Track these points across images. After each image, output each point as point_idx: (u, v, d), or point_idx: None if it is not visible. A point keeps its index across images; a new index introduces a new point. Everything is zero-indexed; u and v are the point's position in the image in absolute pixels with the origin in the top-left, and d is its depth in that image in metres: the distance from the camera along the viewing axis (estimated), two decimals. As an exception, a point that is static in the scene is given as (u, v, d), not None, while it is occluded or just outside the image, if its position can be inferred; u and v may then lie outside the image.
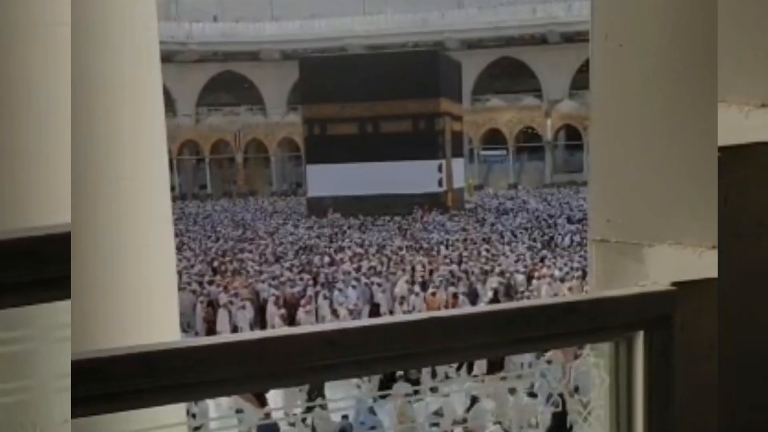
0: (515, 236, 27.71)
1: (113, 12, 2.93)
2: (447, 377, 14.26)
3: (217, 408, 8.80)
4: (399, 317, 1.73)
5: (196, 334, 16.52)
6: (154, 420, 1.45)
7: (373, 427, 11.14)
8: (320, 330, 1.45)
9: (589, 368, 1.75)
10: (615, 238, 1.85)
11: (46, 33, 2.42)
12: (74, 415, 1.27)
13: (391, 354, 1.48)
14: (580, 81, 45.63)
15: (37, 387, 1.47)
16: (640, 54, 1.81)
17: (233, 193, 50.76)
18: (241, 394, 7.86)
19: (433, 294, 17.85)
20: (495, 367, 12.67)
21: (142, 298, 3.04)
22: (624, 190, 1.87)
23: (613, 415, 1.74)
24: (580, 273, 18.72)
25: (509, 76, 52.09)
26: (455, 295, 17.91)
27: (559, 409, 1.93)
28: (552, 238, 27.31)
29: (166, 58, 40.37)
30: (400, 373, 11.38)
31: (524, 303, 2.33)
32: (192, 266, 22.66)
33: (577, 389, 1.86)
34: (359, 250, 25.33)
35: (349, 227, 32.45)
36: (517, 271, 20.22)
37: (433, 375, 13.93)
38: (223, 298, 18.30)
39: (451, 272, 20.34)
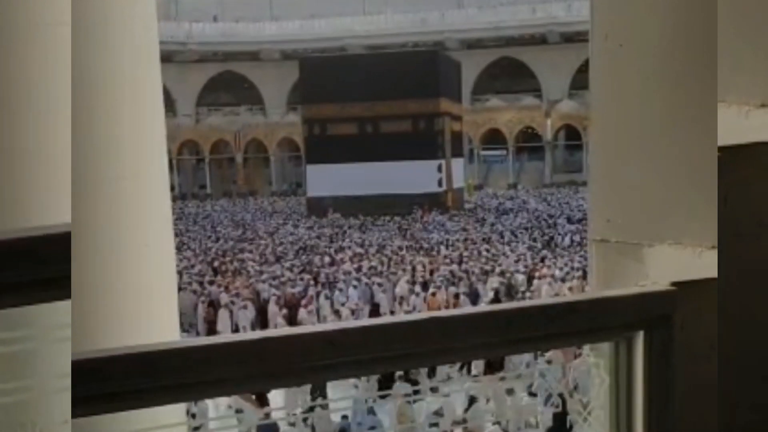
0: (515, 236, 27.71)
1: (113, 12, 2.93)
2: (449, 378, 14.25)
3: (216, 408, 8.80)
4: (399, 317, 1.72)
5: (198, 334, 16.52)
6: (154, 420, 1.45)
7: (372, 427, 11.13)
8: (320, 330, 1.45)
9: (589, 368, 1.74)
10: (615, 238, 1.85)
11: (46, 33, 2.42)
12: (74, 415, 1.27)
13: (391, 354, 1.48)
14: (580, 81, 45.65)
15: (37, 387, 1.47)
16: (640, 54, 1.81)
17: (233, 193, 50.75)
18: (241, 394, 7.86)
19: (434, 294, 17.85)
20: (494, 367, 12.68)
21: (142, 298, 3.04)
22: (624, 190, 1.87)
23: (613, 415, 1.74)
24: (580, 273, 18.71)
25: (509, 76, 52.10)
26: (456, 295, 17.90)
27: (559, 409, 1.92)
28: (552, 238, 27.30)
29: (166, 58, 40.44)
30: (400, 373, 11.37)
31: (524, 303, 2.32)
32: (192, 266, 22.66)
33: (576, 389, 1.86)
34: (359, 250, 25.34)
35: (349, 227, 32.43)
36: (518, 271, 20.22)
37: (431, 375, 13.92)
38: (224, 299, 18.30)
39: (452, 272, 20.33)
